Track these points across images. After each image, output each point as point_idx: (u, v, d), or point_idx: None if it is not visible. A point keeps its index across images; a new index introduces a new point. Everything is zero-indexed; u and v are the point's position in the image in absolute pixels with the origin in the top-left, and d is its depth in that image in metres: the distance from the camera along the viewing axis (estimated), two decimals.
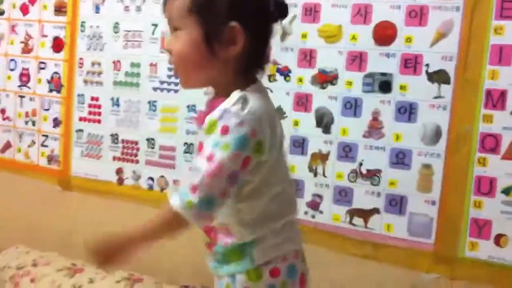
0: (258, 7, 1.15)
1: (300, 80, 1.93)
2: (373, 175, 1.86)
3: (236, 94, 1.11)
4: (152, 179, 2.29)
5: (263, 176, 1.16)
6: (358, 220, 1.90)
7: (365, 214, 1.88)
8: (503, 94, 1.68)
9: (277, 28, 1.20)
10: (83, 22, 2.41)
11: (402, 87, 1.80)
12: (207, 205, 1.07)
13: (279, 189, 1.22)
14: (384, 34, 1.81)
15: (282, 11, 1.18)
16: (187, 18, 1.12)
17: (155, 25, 2.22)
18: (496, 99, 1.69)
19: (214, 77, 1.18)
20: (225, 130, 1.06)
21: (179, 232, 1.12)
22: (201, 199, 1.06)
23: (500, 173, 1.70)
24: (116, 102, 2.34)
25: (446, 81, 1.74)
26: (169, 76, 2.21)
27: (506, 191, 1.70)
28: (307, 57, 1.92)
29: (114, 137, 2.36)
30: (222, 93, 1.16)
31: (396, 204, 1.83)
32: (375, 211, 1.87)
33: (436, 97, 1.76)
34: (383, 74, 1.82)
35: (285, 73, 1.96)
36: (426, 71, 1.77)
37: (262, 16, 1.16)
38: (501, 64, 1.68)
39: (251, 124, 1.07)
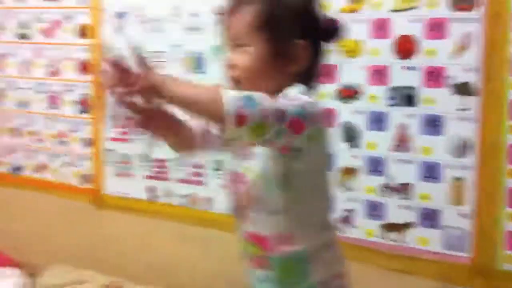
0: (319, 27, 1.21)
1: (324, 95, 1.95)
2: (404, 189, 1.87)
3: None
4: (183, 196, 2.35)
5: (313, 167, 1.19)
6: (392, 234, 1.91)
7: (399, 228, 1.89)
8: None
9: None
10: (106, 44, 2.47)
11: (427, 100, 1.80)
12: (250, 102, 1.01)
13: (329, 195, 1.26)
14: (405, 48, 1.81)
15: (337, 33, 1.23)
16: (254, 34, 1.16)
17: (178, 46, 2.27)
18: None
19: (272, 91, 1.17)
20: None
21: (201, 111, 1.03)
22: (248, 96, 1.02)
23: None
24: None
25: (471, 93, 1.74)
26: None
27: None
28: (329, 72, 1.94)
29: (145, 156, 2.42)
30: None
31: (430, 217, 1.84)
32: (409, 225, 1.88)
33: (462, 109, 1.76)
34: (407, 88, 1.83)
35: None
36: (450, 84, 1.77)
37: (321, 35, 1.21)
38: None
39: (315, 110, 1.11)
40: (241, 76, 1.18)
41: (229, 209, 1.31)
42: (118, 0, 2.43)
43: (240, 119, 0.99)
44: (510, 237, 1.74)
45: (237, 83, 1.20)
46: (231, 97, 0.99)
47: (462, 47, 1.74)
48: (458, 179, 1.79)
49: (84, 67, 2.57)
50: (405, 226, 1.89)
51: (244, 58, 1.17)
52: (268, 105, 1.02)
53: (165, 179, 2.38)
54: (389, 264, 1.92)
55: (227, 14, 1.21)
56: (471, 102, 1.75)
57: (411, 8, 1.81)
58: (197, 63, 2.24)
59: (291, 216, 1.19)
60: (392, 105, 1.86)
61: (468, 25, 1.73)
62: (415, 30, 1.80)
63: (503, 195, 1.73)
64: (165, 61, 2.30)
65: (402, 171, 1.87)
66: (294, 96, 1.11)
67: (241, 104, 0.99)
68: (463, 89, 1.75)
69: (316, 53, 1.21)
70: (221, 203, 2.24)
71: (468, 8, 1.73)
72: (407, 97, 1.84)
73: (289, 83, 1.17)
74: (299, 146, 1.11)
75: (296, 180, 1.16)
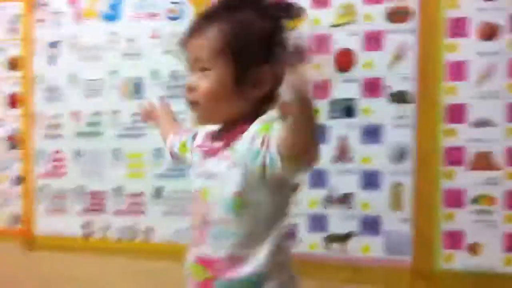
0: (282, 52, 1.20)
1: None
2: (346, 199, 1.95)
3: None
4: (122, 228, 2.32)
5: (285, 194, 1.21)
6: (335, 246, 1.97)
7: (342, 238, 1.96)
8: (462, 108, 1.82)
9: None
10: (38, 75, 2.45)
11: (366, 111, 1.92)
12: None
13: (288, 216, 1.23)
14: (344, 61, 1.94)
15: (302, 54, 1.22)
16: (218, 58, 1.18)
17: (115, 72, 2.30)
18: (456, 114, 1.83)
19: (234, 114, 1.22)
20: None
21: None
22: None
23: (467, 184, 1.83)
24: (79, 154, 2.38)
25: (408, 100, 1.88)
26: (133, 122, 2.27)
27: (475, 201, 1.82)
28: None
29: (80, 190, 2.38)
30: (230, 126, 1.22)
31: (371, 225, 1.93)
32: (352, 234, 1.95)
33: (399, 117, 1.89)
34: (347, 100, 1.94)
35: None
36: (388, 93, 1.90)
37: (286, 59, 1.19)
38: (458, 79, 1.83)
39: None
40: (200, 99, 1.20)
41: (190, 230, 1.28)
42: (50, 30, 2.42)
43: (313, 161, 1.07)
44: (447, 236, 1.85)
45: (195, 106, 1.22)
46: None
47: (399, 57, 1.89)
48: (397, 185, 1.89)
49: (14, 101, 2.53)
50: (348, 236, 1.96)
51: (204, 82, 1.19)
52: None
53: (102, 212, 2.34)
54: (334, 276, 1.97)
55: (189, 36, 1.22)
56: (408, 109, 1.88)
57: (348, 23, 1.94)
58: (135, 89, 2.27)
59: (249, 238, 1.17)
60: (333, 118, 1.96)
61: (403, 36, 1.88)
62: (353, 43, 1.93)
63: (440, 197, 1.86)
64: (102, 89, 2.31)
65: (344, 181, 1.95)
66: None
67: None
68: (399, 97, 1.89)
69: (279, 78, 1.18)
70: (163, 232, 2.24)
71: (403, 20, 1.89)
72: (347, 109, 1.95)
73: (256, 107, 1.20)
74: None
75: (249, 203, 1.16)
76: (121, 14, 2.30)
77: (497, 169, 1.81)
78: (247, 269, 1.17)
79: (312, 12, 1.97)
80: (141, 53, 2.27)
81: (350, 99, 1.94)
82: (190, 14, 2.17)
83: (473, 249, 1.83)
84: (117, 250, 2.31)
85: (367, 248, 1.94)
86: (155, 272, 2.23)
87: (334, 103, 1.96)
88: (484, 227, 1.82)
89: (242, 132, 1.16)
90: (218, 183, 1.18)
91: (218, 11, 1.22)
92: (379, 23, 1.91)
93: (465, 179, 1.83)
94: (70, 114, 2.38)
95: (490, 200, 1.82)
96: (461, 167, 1.84)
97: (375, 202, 1.93)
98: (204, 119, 1.26)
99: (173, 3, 2.21)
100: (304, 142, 1.04)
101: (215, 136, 1.27)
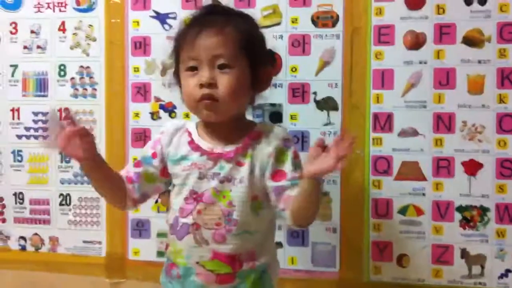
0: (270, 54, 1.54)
1: (187, 116, 2.04)
2: None
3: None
4: (24, 238, 2.28)
5: None
6: None
7: None
8: (389, 117, 1.93)
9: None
10: None
11: (293, 116, 1.99)
12: None
13: None
14: None
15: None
16: (238, 57, 1.38)
17: (15, 66, 2.23)
18: (383, 122, 1.93)
19: (242, 110, 1.49)
20: (297, 155, 1.45)
21: None
22: None
23: (394, 194, 1.94)
24: None
25: (334, 107, 1.96)
26: (35, 121, 2.22)
27: (402, 211, 1.94)
28: None
29: None
30: (232, 124, 1.45)
31: (298, 235, 2.01)
32: (278, 245, 2.02)
33: (326, 124, 1.97)
34: (273, 105, 2.00)
35: (169, 109, 2.08)
36: (314, 99, 1.97)
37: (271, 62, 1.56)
38: (384, 88, 1.93)
39: None
40: (223, 96, 1.37)
41: (182, 229, 1.45)
42: None
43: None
44: (375, 247, 1.96)
45: (215, 101, 1.38)
46: None
47: (325, 63, 1.96)
48: (324, 194, 1.97)
49: None
50: None
51: (227, 78, 1.37)
52: None
53: (0, 220, 2.29)
54: None
55: (202, 33, 1.38)
56: (336, 116, 1.96)
57: (274, 25, 1.99)
58: (38, 85, 2.22)
59: (262, 235, 1.47)
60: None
61: (329, 41, 1.96)
62: (279, 46, 1.97)
63: (367, 206, 1.96)
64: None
65: None
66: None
67: None
68: (327, 104, 1.96)
69: None
70: (69, 243, 2.23)
71: (329, 25, 1.96)
72: (273, 114, 2.00)
73: (248, 104, 1.50)
74: None
75: (264, 204, 1.45)
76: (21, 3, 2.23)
77: (424, 179, 1.93)
78: (261, 260, 1.46)
79: None
80: (45, 46, 2.20)
81: (277, 104, 2.00)
82: (101, 6, 2.14)
83: (401, 260, 1.95)
84: (19, 261, 2.27)
85: (294, 259, 2.02)
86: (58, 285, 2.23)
87: (259, 108, 2.00)
88: (411, 238, 1.94)
89: (255, 137, 1.44)
90: (238, 187, 1.41)
91: (226, 13, 1.46)
92: (305, 27, 1.97)
93: (392, 189, 1.94)
94: None
95: (417, 210, 1.94)
96: (387, 176, 1.94)
97: None
98: (221, 116, 1.41)
99: None
100: (314, 216, 1.40)
101: (217, 137, 1.46)
